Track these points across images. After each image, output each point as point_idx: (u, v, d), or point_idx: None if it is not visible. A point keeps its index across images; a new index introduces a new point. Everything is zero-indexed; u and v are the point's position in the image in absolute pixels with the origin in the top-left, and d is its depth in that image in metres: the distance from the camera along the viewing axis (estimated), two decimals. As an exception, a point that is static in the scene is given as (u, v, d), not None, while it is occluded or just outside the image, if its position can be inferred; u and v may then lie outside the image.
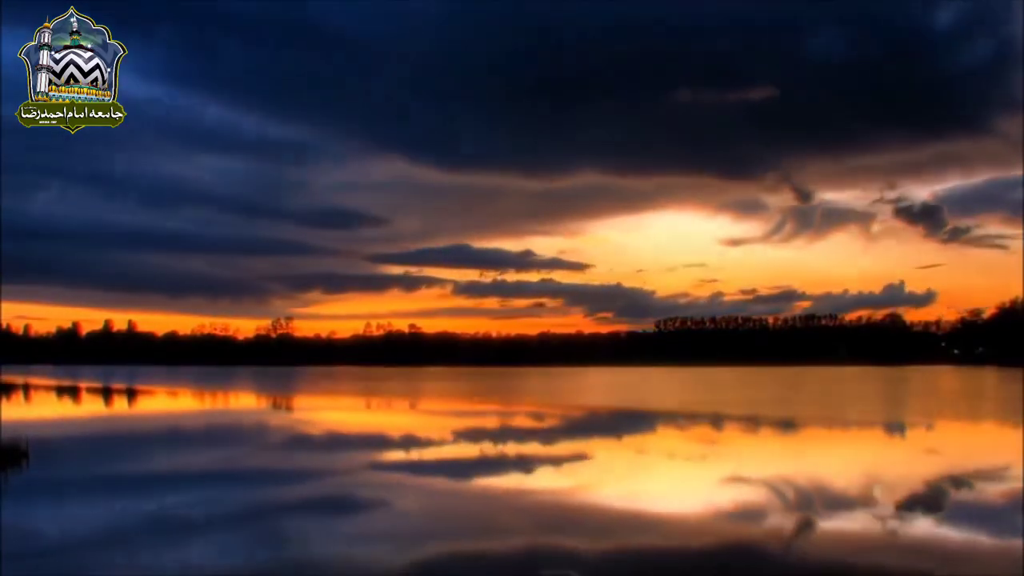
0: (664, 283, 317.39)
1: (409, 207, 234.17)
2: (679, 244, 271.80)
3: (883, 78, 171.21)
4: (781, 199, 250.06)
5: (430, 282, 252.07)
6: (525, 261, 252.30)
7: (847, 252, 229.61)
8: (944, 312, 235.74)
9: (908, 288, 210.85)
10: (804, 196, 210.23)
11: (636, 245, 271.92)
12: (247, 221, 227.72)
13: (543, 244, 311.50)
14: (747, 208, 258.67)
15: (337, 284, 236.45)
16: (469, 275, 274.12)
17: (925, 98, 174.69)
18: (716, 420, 31.77)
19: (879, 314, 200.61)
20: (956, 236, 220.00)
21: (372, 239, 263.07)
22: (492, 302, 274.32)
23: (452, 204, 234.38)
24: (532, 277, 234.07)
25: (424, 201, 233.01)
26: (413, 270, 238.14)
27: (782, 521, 12.17)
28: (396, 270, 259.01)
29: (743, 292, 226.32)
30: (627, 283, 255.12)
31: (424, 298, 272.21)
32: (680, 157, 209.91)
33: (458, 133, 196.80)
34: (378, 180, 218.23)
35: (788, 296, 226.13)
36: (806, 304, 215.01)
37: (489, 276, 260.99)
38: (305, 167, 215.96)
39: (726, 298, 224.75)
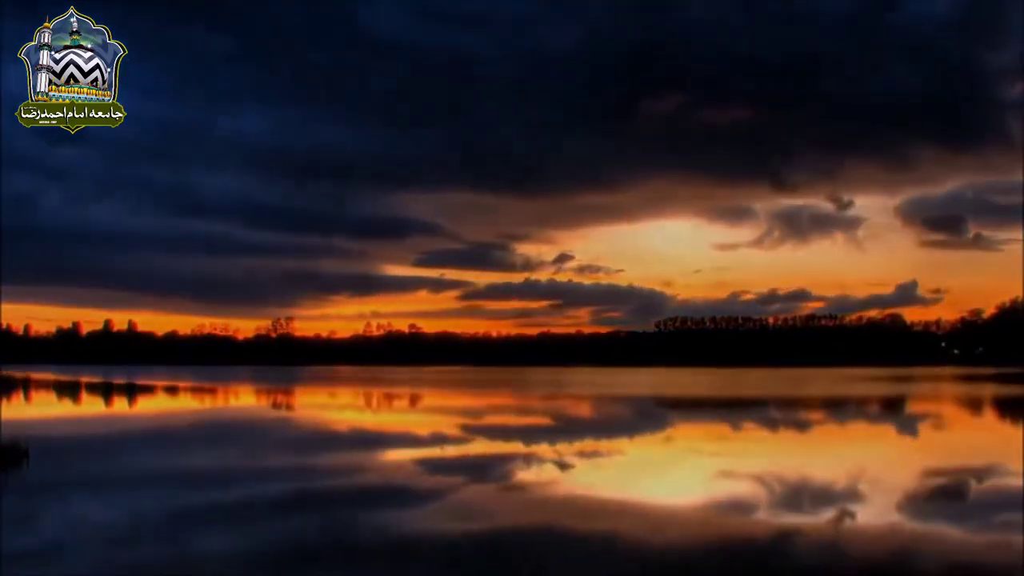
0: (683, 286, 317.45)
1: (445, 215, 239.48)
2: (697, 247, 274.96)
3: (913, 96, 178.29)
4: (810, 203, 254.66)
5: (444, 285, 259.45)
6: (540, 265, 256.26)
7: (856, 254, 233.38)
8: (945, 312, 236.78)
9: (912, 289, 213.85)
10: (842, 204, 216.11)
11: (654, 249, 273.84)
12: (285, 229, 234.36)
13: (557, 249, 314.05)
14: (766, 213, 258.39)
15: (365, 287, 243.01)
16: (482, 278, 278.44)
17: (939, 108, 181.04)
18: (710, 418, 31.77)
19: (880, 314, 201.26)
20: (958, 237, 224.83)
21: (403, 246, 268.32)
22: (503, 304, 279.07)
23: (470, 212, 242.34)
24: (545, 279, 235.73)
25: (456, 211, 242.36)
26: (436, 273, 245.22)
27: (776, 518, 12.18)
28: (429, 273, 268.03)
29: (757, 294, 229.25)
30: (644, 286, 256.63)
31: (435, 300, 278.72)
32: (699, 164, 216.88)
33: (492, 149, 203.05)
34: (428, 194, 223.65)
35: (798, 297, 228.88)
36: (818, 304, 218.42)
37: (501, 279, 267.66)
38: (355, 181, 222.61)
39: (740, 300, 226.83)
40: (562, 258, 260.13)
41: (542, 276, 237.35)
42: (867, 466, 18.25)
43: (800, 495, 14.63)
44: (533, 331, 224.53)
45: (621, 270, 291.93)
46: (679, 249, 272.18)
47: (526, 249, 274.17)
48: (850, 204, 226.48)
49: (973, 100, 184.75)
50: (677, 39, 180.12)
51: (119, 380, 76.81)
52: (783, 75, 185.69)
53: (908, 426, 29.78)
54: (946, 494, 14.87)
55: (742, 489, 15.14)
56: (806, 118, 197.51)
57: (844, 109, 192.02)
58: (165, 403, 45.09)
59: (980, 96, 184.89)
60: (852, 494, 14.58)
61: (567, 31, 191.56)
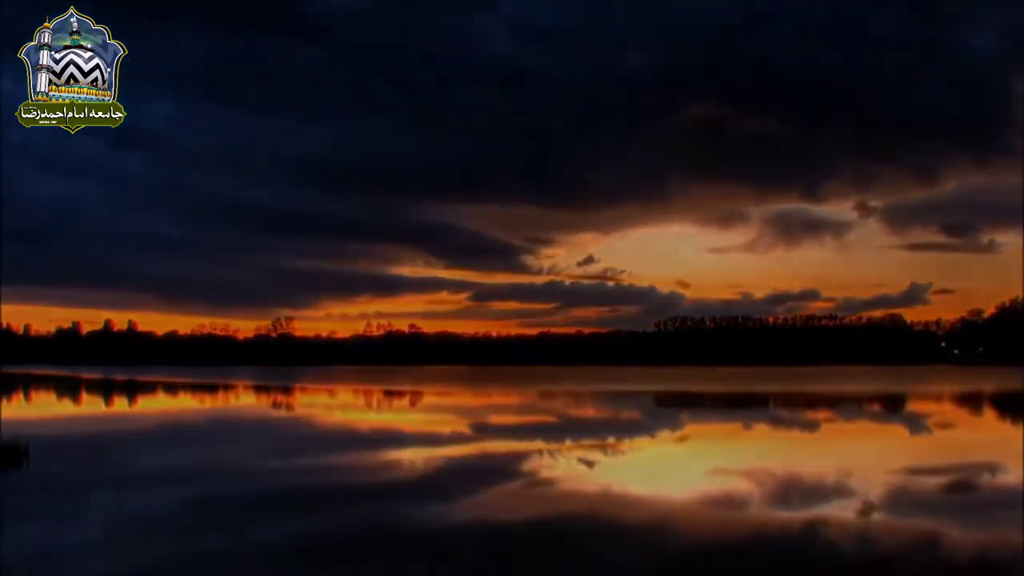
0: (700, 288, 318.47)
1: (470, 221, 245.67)
2: (716, 252, 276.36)
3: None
4: (824, 209, 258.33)
5: (463, 287, 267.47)
6: (563, 268, 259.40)
7: (862, 257, 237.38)
8: (945, 312, 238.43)
9: (913, 290, 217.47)
10: (866, 211, 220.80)
11: (675, 253, 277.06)
12: (305, 234, 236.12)
13: (583, 253, 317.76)
14: (786, 219, 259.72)
15: (384, 288, 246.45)
16: (502, 280, 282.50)
17: (962, 125, 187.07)
18: (705, 416, 31.73)
19: (879, 314, 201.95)
20: (960, 239, 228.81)
21: (426, 249, 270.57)
22: (522, 305, 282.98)
23: (497, 218, 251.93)
24: (569, 282, 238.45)
25: (482, 217, 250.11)
26: (458, 275, 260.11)
27: (776, 515, 12.21)
28: (453, 275, 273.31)
29: (767, 295, 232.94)
30: (664, 288, 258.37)
31: (453, 302, 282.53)
32: (727, 172, 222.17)
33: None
34: (457, 202, 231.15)
35: (806, 298, 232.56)
36: (826, 305, 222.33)
37: (523, 280, 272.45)
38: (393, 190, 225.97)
39: (749, 301, 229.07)
40: (587, 261, 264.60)
41: (566, 279, 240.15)
42: (866, 464, 18.24)
43: (799, 492, 14.63)
44: (533, 331, 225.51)
45: (637, 272, 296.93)
46: (700, 253, 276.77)
47: (551, 253, 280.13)
48: (874, 211, 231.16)
49: (995, 119, 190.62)
50: (712, 50, 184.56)
51: (118, 381, 76.78)
52: (816, 87, 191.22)
53: (905, 425, 29.79)
54: (944, 492, 14.88)
55: (739, 485, 15.15)
56: (836, 130, 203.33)
57: (873, 122, 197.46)
58: (165, 402, 45.10)
59: (1002, 116, 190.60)
60: (852, 491, 14.58)
61: (602, 44, 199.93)
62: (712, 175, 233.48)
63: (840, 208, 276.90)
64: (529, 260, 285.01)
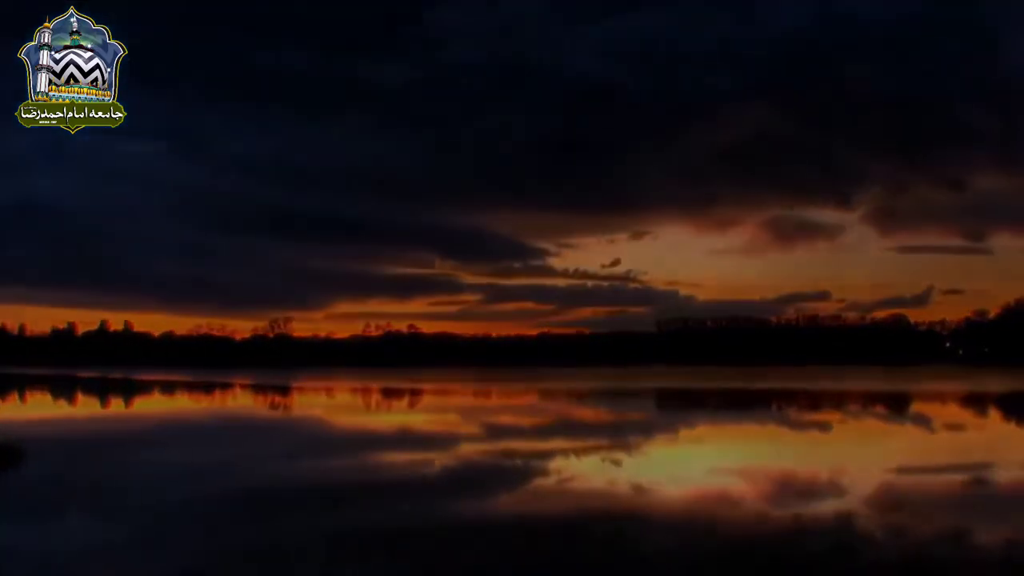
0: (712, 290, 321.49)
1: (490, 225, 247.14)
2: (729, 253, 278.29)
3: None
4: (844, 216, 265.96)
5: (477, 289, 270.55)
6: (585, 272, 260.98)
7: (866, 258, 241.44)
8: (949, 313, 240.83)
9: (918, 291, 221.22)
10: (878, 213, 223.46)
11: (687, 255, 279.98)
12: (317, 237, 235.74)
13: (608, 256, 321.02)
14: (795, 219, 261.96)
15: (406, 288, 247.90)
16: (516, 282, 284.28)
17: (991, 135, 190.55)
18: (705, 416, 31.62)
19: (885, 314, 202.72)
20: (968, 241, 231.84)
21: (448, 252, 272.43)
22: (524, 305, 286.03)
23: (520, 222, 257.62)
24: (592, 284, 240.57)
25: (505, 222, 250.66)
26: (475, 278, 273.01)
27: (784, 513, 12.13)
28: (477, 279, 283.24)
29: (778, 296, 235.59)
30: (682, 291, 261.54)
31: (465, 303, 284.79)
32: (744, 174, 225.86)
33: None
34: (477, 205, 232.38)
35: (818, 300, 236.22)
36: (838, 305, 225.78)
37: (531, 282, 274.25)
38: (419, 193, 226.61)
39: (764, 302, 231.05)
40: (614, 263, 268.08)
41: (588, 281, 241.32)
42: (872, 462, 18.19)
43: (806, 491, 14.55)
44: (533, 331, 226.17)
45: (661, 275, 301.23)
46: (721, 256, 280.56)
47: (577, 256, 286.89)
48: (885, 214, 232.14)
49: (1011, 124, 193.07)
50: (741, 59, 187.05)
51: (115, 382, 76.68)
52: (835, 92, 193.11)
53: (912, 423, 29.75)
54: (951, 489, 14.83)
55: (739, 483, 15.07)
56: (856, 135, 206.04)
57: (888, 126, 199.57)
58: (161, 403, 45.00)
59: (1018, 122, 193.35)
60: (859, 490, 14.50)
61: (626, 53, 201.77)
62: (740, 180, 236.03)
63: (853, 211, 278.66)
64: (554, 262, 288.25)
